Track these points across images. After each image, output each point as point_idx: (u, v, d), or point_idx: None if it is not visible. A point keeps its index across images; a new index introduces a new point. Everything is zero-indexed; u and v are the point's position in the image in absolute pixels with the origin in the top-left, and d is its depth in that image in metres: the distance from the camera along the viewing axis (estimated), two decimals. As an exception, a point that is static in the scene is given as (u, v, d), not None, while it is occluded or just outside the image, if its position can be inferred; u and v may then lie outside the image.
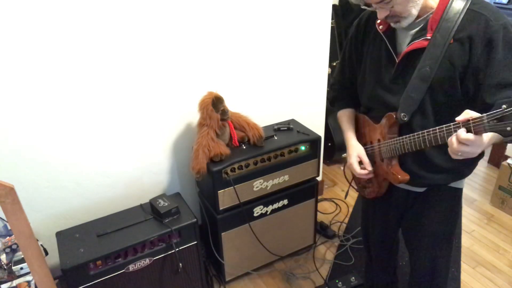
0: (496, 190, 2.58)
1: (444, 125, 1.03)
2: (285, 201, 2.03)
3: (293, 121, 2.14)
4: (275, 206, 2.01)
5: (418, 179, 1.27)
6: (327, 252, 2.30)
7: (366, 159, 1.36)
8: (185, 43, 1.79)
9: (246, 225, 1.94)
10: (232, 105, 1.92)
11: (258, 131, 1.87)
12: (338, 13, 2.93)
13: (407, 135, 1.17)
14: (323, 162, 2.94)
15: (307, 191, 2.09)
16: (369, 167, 1.35)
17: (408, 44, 1.16)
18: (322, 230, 2.41)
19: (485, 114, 0.89)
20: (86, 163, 1.78)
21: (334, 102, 1.56)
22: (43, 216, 1.78)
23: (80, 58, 1.59)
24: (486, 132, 0.91)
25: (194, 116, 1.90)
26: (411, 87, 1.15)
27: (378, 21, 1.22)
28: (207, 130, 1.74)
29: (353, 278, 2.01)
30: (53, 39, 1.51)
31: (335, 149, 2.95)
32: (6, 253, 1.43)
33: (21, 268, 1.38)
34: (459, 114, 1.03)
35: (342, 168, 3.11)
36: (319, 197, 2.49)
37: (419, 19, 1.13)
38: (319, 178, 2.33)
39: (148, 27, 1.68)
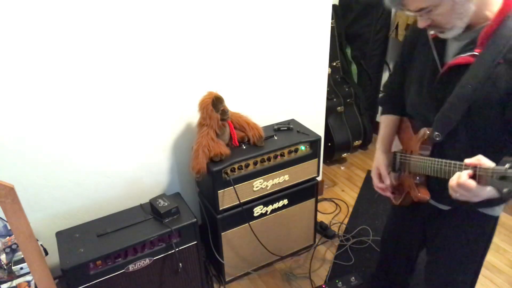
0: (496, 190, 2.57)
1: (453, 161, 0.97)
2: (285, 201, 2.03)
3: (293, 121, 2.14)
4: (275, 206, 2.01)
5: (442, 198, 1.21)
6: (327, 252, 2.30)
7: (383, 172, 1.31)
8: (185, 43, 1.79)
9: (246, 225, 1.94)
10: (232, 105, 1.92)
11: (258, 131, 1.87)
12: (338, 13, 2.93)
13: (423, 157, 1.11)
14: (323, 162, 2.94)
15: (307, 191, 2.09)
16: (386, 181, 1.31)
17: (454, 56, 1.04)
18: (322, 230, 2.41)
19: (491, 168, 0.84)
20: (86, 163, 1.78)
21: (381, 104, 1.48)
22: (43, 216, 1.78)
23: (80, 58, 1.58)
24: (487, 185, 0.86)
25: (194, 116, 1.90)
26: (449, 105, 1.04)
27: None
28: (207, 130, 1.74)
29: (353, 278, 2.01)
30: (53, 39, 1.51)
31: (335, 149, 2.96)
32: (6, 253, 1.43)
33: (21, 268, 1.38)
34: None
35: (342, 168, 3.11)
36: (319, 197, 2.49)
37: (471, 30, 1.00)
38: (319, 178, 2.33)
39: (149, 27, 1.68)
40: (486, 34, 0.96)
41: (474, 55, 0.98)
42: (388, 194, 1.33)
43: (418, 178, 1.22)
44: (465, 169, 0.92)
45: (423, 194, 1.20)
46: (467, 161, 0.90)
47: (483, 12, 0.96)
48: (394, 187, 1.40)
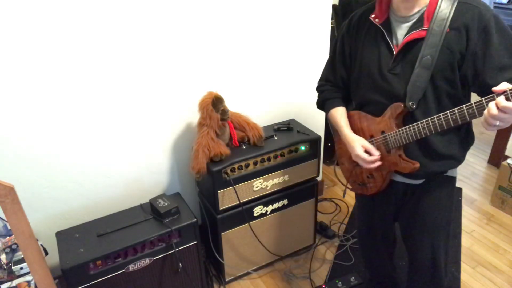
0: (496, 190, 2.57)
1: (473, 102, 1.05)
2: (285, 201, 2.03)
3: (293, 121, 2.15)
4: (275, 206, 2.01)
5: (419, 167, 1.28)
6: (327, 252, 2.30)
7: (370, 146, 1.34)
8: (185, 43, 1.79)
9: (246, 225, 1.94)
10: (232, 105, 1.92)
11: (258, 131, 1.87)
12: (338, 13, 2.92)
13: (427, 119, 1.18)
14: (323, 162, 2.94)
15: (307, 191, 2.09)
16: (376, 151, 1.33)
17: (406, 35, 1.21)
18: (322, 230, 2.41)
19: None
20: (86, 163, 1.78)
21: (324, 103, 1.53)
22: (43, 216, 1.78)
23: (80, 58, 1.59)
24: None
25: (194, 116, 1.90)
26: (416, 76, 1.19)
27: (373, 15, 1.28)
28: (207, 130, 1.74)
29: (353, 278, 2.01)
30: (54, 40, 1.51)
31: (335, 149, 2.95)
32: (6, 253, 1.43)
33: (21, 268, 1.38)
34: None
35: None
36: (319, 197, 2.49)
37: (414, 13, 1.20)
38: (319, 178, 2.33)
39: (149, 27, 1.68)
40: (429, 12, 1.17)
41: (424, 30, 1.17)
42: (378, 163, 1.34)
43: (400, 152, 1.30)
44: (487, 101, 1.00)
45: (414, 164, 1.27)
46: (496, 88, 0.98)
47: None
48: (367, 178, 1.45)
